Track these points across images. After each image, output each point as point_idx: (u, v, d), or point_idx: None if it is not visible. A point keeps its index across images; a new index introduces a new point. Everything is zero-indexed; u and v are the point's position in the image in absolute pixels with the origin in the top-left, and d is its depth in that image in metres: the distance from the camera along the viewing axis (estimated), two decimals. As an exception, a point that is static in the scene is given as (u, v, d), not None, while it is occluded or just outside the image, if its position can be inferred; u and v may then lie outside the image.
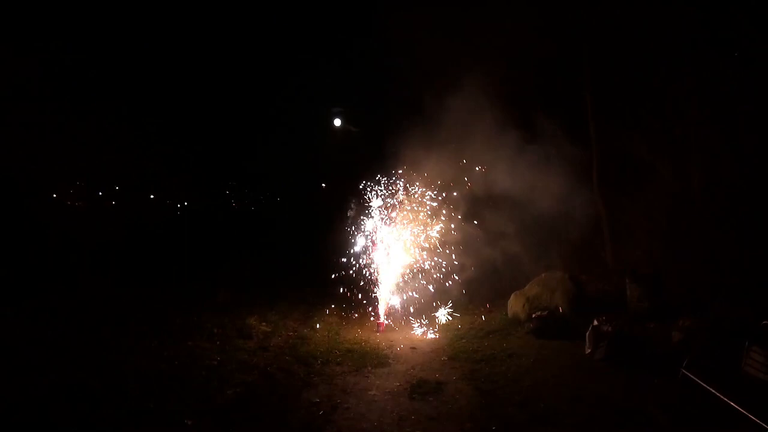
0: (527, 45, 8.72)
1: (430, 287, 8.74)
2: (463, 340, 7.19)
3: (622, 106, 8.95)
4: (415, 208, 8.69)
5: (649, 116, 8.71)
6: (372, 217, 8.71)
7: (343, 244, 8.97)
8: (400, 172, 8.80)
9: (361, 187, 8.86)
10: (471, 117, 8.84)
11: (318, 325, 7.95)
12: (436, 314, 8.38)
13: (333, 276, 8.92)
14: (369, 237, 8.70)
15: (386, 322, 8.08)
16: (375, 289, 8.53)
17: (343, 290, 8.90)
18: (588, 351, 6.00)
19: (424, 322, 8.17)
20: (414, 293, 8.72)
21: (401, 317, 8.46)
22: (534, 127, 9.02)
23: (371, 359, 6.30)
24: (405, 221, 8.63)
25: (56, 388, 4.71)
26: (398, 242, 8.57)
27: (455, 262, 8.74)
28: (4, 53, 10.05)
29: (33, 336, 6.27)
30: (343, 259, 8.86)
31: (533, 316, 7.29)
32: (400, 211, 8.66)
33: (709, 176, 8.18)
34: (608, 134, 9.25)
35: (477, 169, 9.14)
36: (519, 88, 9.38)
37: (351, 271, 8.81)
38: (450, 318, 8.32)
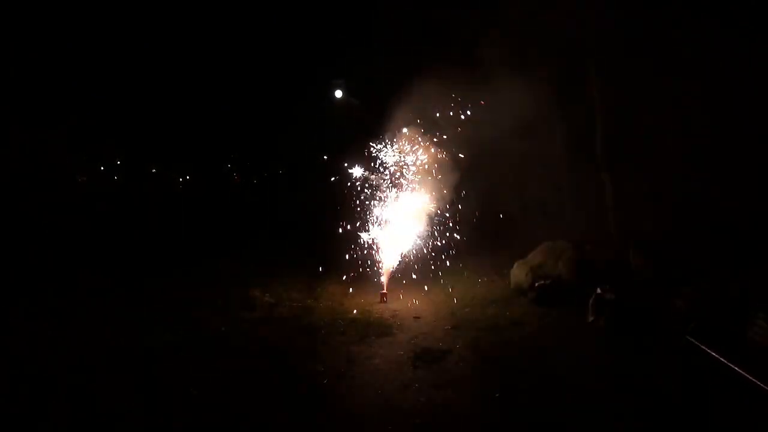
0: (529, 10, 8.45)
1: (434, 257, 8.72)
2: (467, 309, 7.20)
3: (626, 69, 8.69)
4: (415, 176, 8.59)
5: (654, 80, 8.46)
6: (373, 186, 8.63)
7: (346, 214, 8.92)
8: (399, 139, 8.66)
9: (361, 155, 8.76)
10: (471, 80, 8.62)
11: (321, 296, 7.98)
12: (440, 284, 8.39)
13: (335, 248, 8.92)
14: (371, 206, 8.64)
15: (389, 292, 8.08)
16: (378, 260, 8.51)
17: (347, 261, 8.90)
18: (591, 319, 6.00)
19: (428, 292, 8.19)
20: (417, 263, 8.71)
21: (405, 287, 8.47)
22: (535, 90, 8.80)
23: (375, 329, 6.33)
24: (405, 189, 8.54)
25: (57, 360, 4.77)
26: (400, 211, 8.51)
27: (457, 232, 8.70)
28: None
29: (34, 308, 6.33)
30: (344, 230, 8.83)
31: (536, 284, 7.28)
32: (400, 178, 8.57)
33: (714, 142, 8.01)
34: (612, 98, 9.02)
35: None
36: (520, 50, 9.10)
37: (354, 241, 8.79)
38: (453, 287, 8.33)
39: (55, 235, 10.63)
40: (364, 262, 8.76)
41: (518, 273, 7.91)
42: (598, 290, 6.07)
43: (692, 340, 4.13)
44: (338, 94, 17.27)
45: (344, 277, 8.82)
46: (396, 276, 8.60)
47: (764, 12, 7.25)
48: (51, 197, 12.74)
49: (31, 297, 6.99)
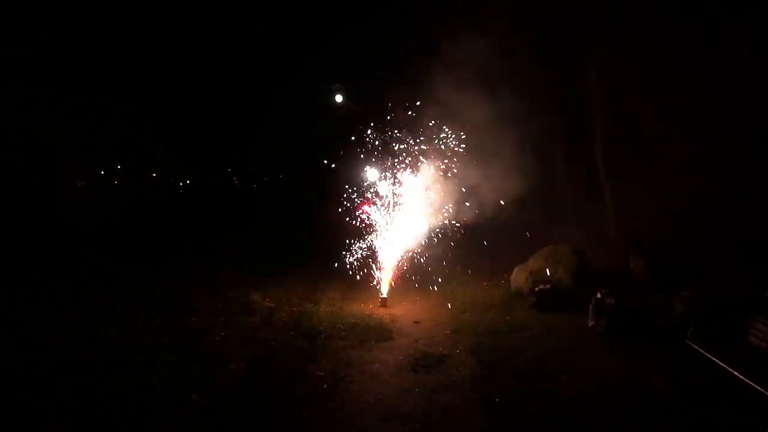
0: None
1: (434, 261, 8.72)
2: (466, 314, 7.20)
3: (628, 71, 8.70)
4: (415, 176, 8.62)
5: (654, 84, 8.47)
6: (371, 190, 8.65)
7: (345, 218, 8.94)
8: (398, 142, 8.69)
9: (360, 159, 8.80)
10: (465, 80, 8.65)
11: (321, 301, 7.97)
12: (440, 288, 8.39)
13: (335, 252, 8.92)
14: (370, 213, 8.65)
15: (389, 296, 8.08)
16: (378, 264, 8.51)
17: (346, 265, 8.90)
18: (591, 323, 6.01)
19: (428, 297, 8.18)
20: (418, 268, 8.71)
21: (405, 292, 8.47)
22: (534, 92, 8.81)
23: (374, 333, 6.32)
24: (404, 195, 8.56)
25: (59, 363, 4.74)
26: (399, 216, 8.52)
27: (458, 235, 8.72)
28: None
29: (35, 314, 6.30)
30: (345, 235, 8.84)
31: (536, 289, 7.28)
32: (398, 182, 8.60)
33: (714, 146, 8.01)
34: (612, 101, 9.02)
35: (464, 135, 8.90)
36: (518, 52, 9.11)
37: (354, 246, 8.79)
38: (453, 292, 8.32)
39: (52, 236, 10.63)
40: (365, 267, 8.76)
41: (518, 277, 7.92)
42: (598, 294, 6.07)
43: (692, 343, 4.12)
44: (339, 98, 17.33)
45: (344, 282, 8.81)
46: (396, 280, 8.59)
47: None
48: (50, 194, 12.77)
49: (21, 303, 6.94)
